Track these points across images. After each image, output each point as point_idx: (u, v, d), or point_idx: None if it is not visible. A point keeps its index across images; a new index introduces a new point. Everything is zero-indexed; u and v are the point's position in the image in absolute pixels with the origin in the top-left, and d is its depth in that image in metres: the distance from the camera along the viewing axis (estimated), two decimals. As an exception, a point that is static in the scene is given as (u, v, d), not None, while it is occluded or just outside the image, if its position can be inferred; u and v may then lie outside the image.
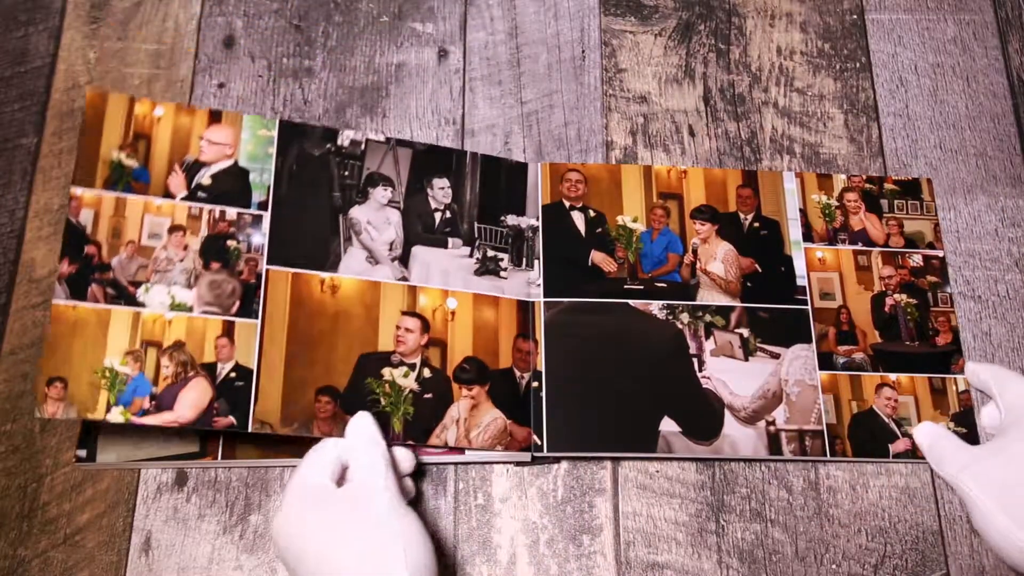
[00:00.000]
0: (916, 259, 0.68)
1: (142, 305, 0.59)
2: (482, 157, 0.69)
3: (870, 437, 0.63)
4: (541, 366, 0.63)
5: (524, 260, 0.67)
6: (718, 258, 0.67)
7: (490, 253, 0.66)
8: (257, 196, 0.63)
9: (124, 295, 0.59)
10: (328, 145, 0.66)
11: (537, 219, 0.68)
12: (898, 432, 0.63)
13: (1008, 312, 0.68)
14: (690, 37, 0.76)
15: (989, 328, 0.67)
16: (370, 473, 0.55)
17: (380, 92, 0.74)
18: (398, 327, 0.63)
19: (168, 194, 0.62)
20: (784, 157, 0.72)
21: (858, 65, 0.76)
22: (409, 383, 0.62)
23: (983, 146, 0.73)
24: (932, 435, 0.62)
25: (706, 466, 0.64)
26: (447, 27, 0.77)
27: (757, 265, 0.68)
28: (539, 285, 0.66)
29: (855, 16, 0.78)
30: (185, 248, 0.61)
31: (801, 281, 0.67)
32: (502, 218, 0.68)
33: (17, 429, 0.64)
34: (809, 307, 0.66)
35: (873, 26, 0.77)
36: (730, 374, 0.64)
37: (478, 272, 0.66)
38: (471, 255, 0.67)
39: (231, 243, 0.62)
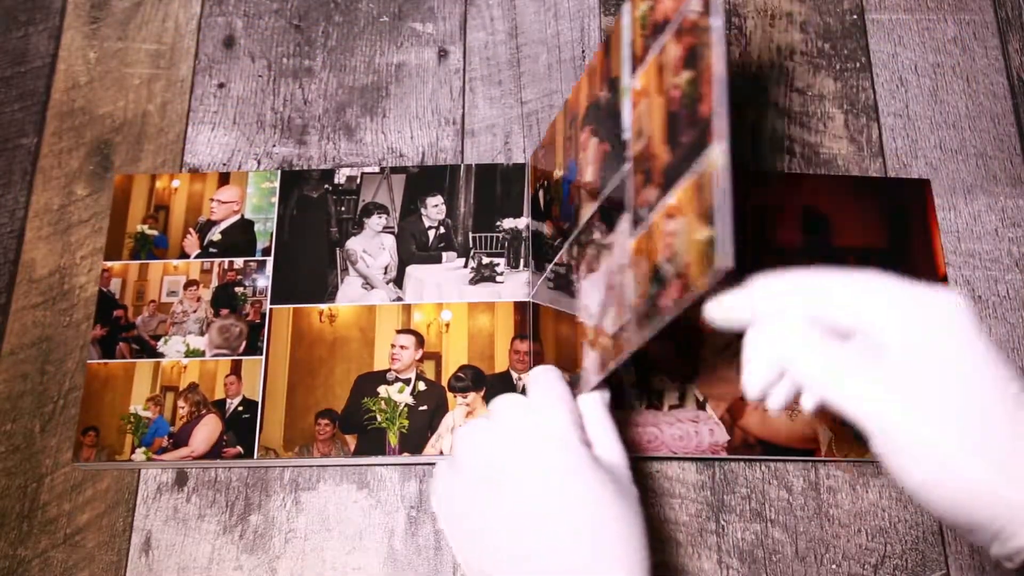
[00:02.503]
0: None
1: (161, 355, 0.65)
2: (476, 167, 0.70)
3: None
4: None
5: (521, 261, 0.67)
6: (590, 161, 0.55)
7: (485, 260, 0.67)
8: (261, 243, 0.68)
9: (146, 348, 0.65)
10: (326, 185, 0.69)
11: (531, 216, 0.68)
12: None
13: (1008, 312, 0.68)
14: (690, 37, 0.76)
15: (989, 328, 0.67)
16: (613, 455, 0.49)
17: (380, 92, 0.74)
18: (393, 345, 0.64)
19: (183, 254, 0.68)
20: (784, 157, 0.72)
21: (858, 65, 0.76)
22: (404, 398, 0.63)
23: (983, 146, 0.73)
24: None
25: (706, 466, 0.64)
26: (447, 27, 0.77)
27: (606, 144, 0.53)
28: (529, 282, 0.66)
29: (855, 16, 0.78)
30: (198, 300, 0.66)
31: (627, 135, 0.49)
32: (498, 224, 0.68)
33: (17, 429, 0.64)
34: (624, 164, 0.49)
35: (873, 26, 0.77)
36: (589, 296, 0.53)
37: (473, 281, 0.66)
38: (465, 265, 0.67)
39: (239, 289, 0.66)
